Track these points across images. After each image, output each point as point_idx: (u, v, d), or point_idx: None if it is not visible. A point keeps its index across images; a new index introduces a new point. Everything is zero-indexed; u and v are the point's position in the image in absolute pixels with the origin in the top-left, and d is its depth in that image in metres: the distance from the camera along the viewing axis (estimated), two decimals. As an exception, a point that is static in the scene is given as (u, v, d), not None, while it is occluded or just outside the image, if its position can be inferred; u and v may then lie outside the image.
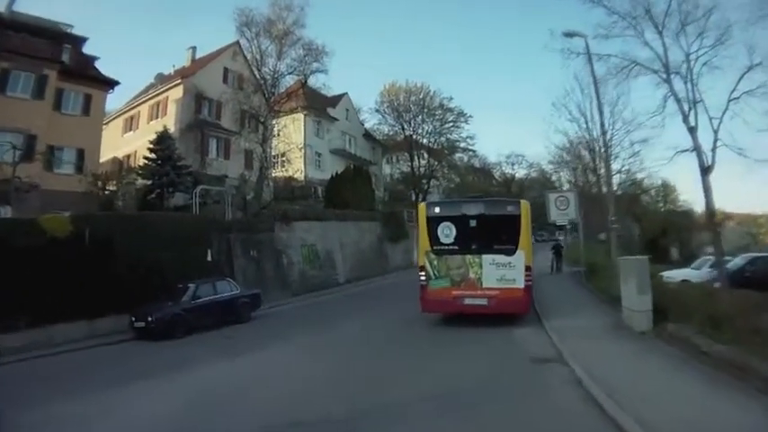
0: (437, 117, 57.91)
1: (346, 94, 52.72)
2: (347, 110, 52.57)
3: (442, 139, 59.11)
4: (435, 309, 15.79)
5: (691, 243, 45.70)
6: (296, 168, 39.89)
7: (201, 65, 37.36)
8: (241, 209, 27.43)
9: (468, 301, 14.92)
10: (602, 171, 28.09)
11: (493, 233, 15.01)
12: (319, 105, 46.92)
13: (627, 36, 17.46)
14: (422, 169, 57.23)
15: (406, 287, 24.56)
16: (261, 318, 18.99)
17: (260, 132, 33.80)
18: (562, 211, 24.72)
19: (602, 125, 21.19)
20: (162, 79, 38.59)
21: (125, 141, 35.33)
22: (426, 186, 56.78)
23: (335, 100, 50.13)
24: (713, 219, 16.32)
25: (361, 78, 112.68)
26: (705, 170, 15.59)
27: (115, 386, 10.01)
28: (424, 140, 57.78)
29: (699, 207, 59.90)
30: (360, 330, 15.53)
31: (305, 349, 12.99)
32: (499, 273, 14.76)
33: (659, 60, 16.83)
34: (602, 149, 25.92)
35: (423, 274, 15.54)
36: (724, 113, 15.72)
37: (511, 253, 14.74)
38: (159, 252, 18.26)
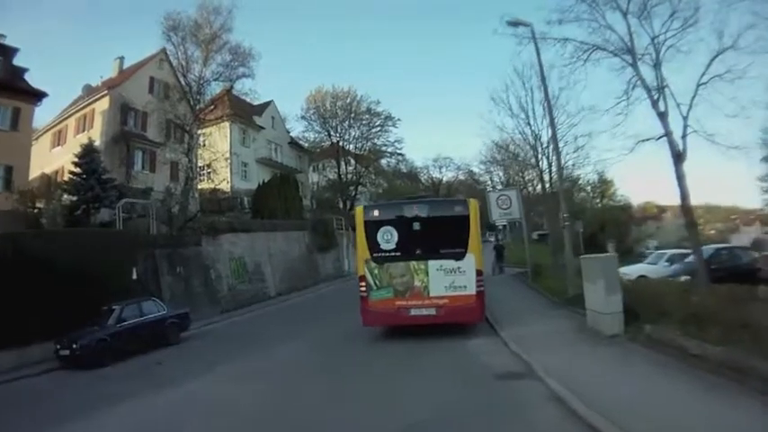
0: (364, 122, 58.03)
1: (272, 101, 51.82)
2: (273, 117, 51.71)
3: (369, 143, 59.01)
4: (378, 322, 14.82)
5: (628, 237, 46.81)
6: (222, 179, 38.42)
7: (128, 75, 36.01)
8: (166, 223, 26.61)
9: (414, 312, 13.96)
10: (546, 167, 28.11)
11: (439, 236, 14.11)
12: (245, 113, 46.07)
13: (584, 20, 16.30)
14: (349, 176, 57.02)
15: (340, 298, 24.70)
16: (191, 339, 18.25)
17: (185, 142, 32.18)
18: (504, 210, 24.48)
19: (551, 117, 20.40)
20: (89, 91, 36.86)
21: (54, 157, 33.62)
22: (354, 193, 56.63)
23: (261, 108, 49.22)
24: (689, 209, 15.47)
25: (287, 87, 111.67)
26: (678, 157, 14.79)
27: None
28: (351, 146, 57.70)
29: (636, 200, 61.96)
30: (297, 351, 14.41)
31: (241, 377, 11.86)
32: (448, 279, 13.85)
33: (623, 44, 15.90)
34: (545, 146, 26.61)
35: (363, 284, 14.42)
36: (693, 99, 14.87)
37: (460, 257, 13.86)
38: (83, 272, 17.06)
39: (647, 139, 16.03)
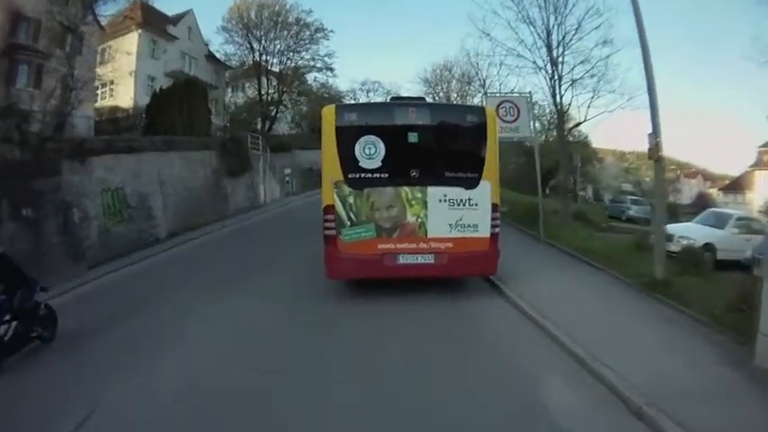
0: (292, 33, 50.22)
1: (190, 10, 44.63)
2: (190, 28, 44.26)
3: (296, 57, 51.60)
4: (351, 273, 10.45)
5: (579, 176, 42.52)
6: (125, 95, 34.09)
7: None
8: (19, 145, 18.26)
9: (404, 260, 10.04)
10: (557, 76, 21.99)
11: (444, 154, 10.36)
12: (157, 22, 39.39)
13: None
14: (271, 95, 49.94)
15: (260, 237, 19.81)
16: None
17: (68, 43, 25.79)
18: (509, 123, 17.51)
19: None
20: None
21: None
22: (275, 112, 49.80)
23: (177, 18, 42.59)
24: None
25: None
26: None
27: None
28: (275, 59, 50.27)
29: (598, 138, 57.03)
30: (208, 348, 8.13)
31: None
32: (453, 215, 10.07)
33: None
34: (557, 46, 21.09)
35: (330, 218, 10.02)
36: None
37: (472, 185, 10.10)
38: None
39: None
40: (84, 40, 27.75)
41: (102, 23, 32.18)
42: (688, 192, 69.24)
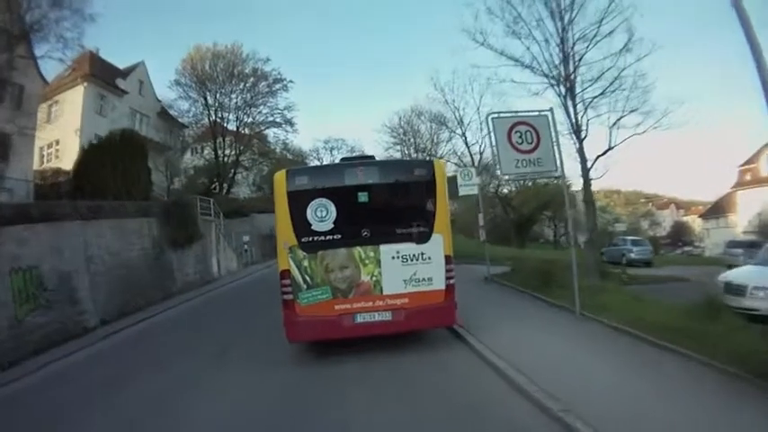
0: (248, 85, 48.03)
1: (142, 62, 42.13)
2: (141, 82, 41.44)
3: (254, 111, 49.18)
4: (310, 335, 10.49)
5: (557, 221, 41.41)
6: (70, 156, 30.05)
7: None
8: None
9: (361, 319, 10.14)
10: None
11: (395, 211, 10.51)
12: (107, 75, 36.69)
13: None
14: (227, 157, 47.31)
15: (215, 318, 16.87)
16: None
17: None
18: (525, 154, 12.68)
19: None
20: None
21: None
22: (232, 174, 47.34)
23: (127, 71, 39.90)
24: None
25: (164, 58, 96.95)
26: None
27: None
28: (231, 115, 47.93)
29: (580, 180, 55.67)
30: None
31: None
32: (407, 270, 10.17)
33: None
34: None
35: (286, 282, 10.05)
36: None
37: (423, 239, 10.25)
38: None
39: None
40: (13, 87, 25.30)
41: (48, 79, 29.79)
42: (664, 223, 68.13)
